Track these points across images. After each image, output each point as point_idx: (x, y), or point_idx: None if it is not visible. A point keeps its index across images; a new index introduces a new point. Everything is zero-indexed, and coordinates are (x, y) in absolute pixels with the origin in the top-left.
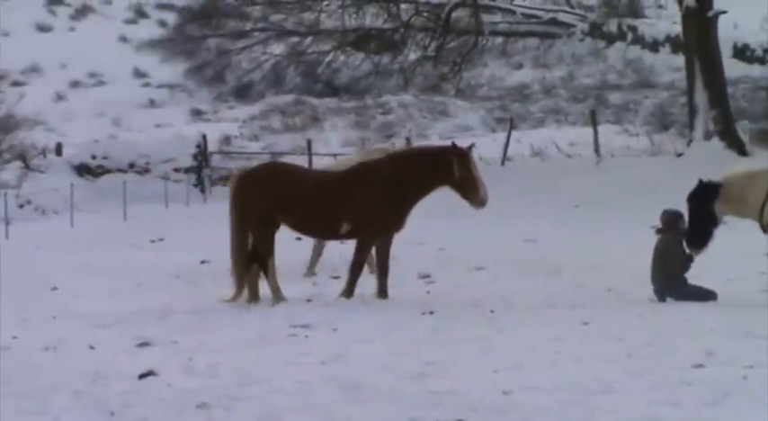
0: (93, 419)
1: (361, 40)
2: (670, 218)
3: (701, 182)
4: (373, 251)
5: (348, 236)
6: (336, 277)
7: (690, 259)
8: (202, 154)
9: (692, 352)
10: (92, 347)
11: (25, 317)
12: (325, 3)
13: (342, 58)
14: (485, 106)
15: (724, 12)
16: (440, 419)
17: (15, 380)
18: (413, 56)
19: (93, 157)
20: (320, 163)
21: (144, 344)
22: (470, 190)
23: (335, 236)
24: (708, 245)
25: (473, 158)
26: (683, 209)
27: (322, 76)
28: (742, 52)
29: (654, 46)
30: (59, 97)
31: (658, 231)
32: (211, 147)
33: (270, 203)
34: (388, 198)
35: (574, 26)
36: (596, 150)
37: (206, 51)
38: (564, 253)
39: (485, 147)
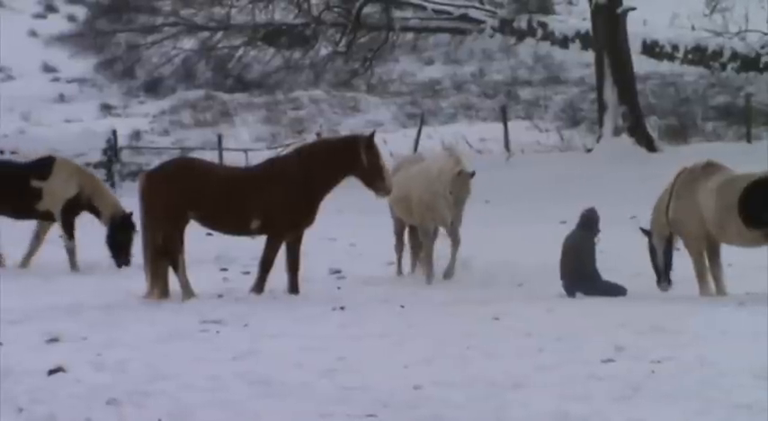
0: (1, 415)
1: (272, 35)
2: (591, 216)
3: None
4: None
5: (258, 231)
6: (247, 272)
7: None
8: (112, 149)
9: (602, 347)
10: (0, 343)
11: None
12: None
13: (252, 53)
14: (396, 102)
15: (633, 8)
16: (350, 414)
17: None
18: (324, 51)
19: (2, 152)
20: (231, 158)
21: (53, 340)
22: (377, 178)
23: (246, 231)
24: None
25: (378, 147)
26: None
27: (233, 71)
28: (651, 48)
29: (564, 42)
30: None
31: (578, 226)
32: (121, 141)
33: (179, 199)
34: (298, 193)
35: (484, 22)
36: (506, 146)
37: (116, 46)
38: (474, 248)
39: (396, 143)
